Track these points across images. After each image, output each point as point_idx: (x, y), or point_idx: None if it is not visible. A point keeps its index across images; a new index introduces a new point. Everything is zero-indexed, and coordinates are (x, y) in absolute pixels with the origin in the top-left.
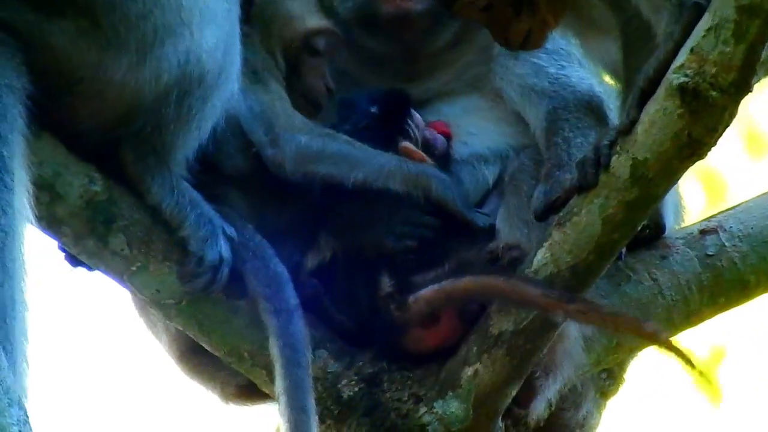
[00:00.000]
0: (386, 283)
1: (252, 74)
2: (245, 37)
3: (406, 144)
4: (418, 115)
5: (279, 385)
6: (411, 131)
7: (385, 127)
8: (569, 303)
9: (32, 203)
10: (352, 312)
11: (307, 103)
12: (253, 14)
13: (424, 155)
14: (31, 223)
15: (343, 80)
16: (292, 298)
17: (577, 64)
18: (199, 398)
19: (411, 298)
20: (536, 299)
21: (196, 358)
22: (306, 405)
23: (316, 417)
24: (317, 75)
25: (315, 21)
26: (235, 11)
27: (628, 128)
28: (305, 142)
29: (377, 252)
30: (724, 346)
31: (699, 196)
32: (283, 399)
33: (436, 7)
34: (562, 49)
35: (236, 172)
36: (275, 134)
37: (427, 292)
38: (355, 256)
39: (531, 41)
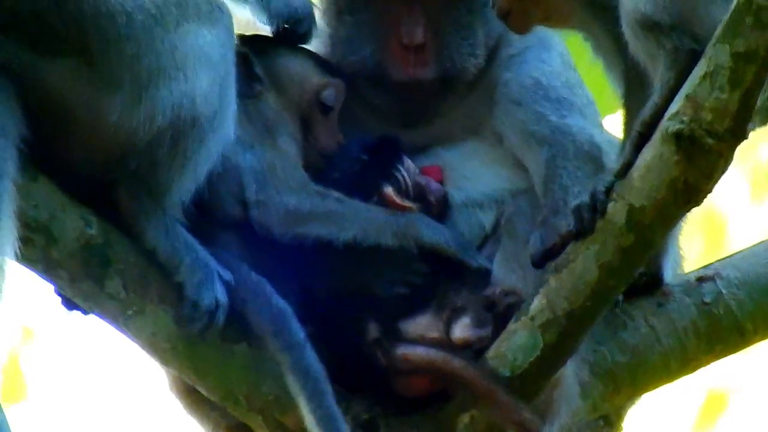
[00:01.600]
0: (373, 329)
1: (264, 130)
2: (259, 96)
3: (387, 191)
4: (410, 162)
5: (310, 420)
6: (401, 177)
7: (375, 174)
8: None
9: (23, 249)
10: (344, 358)
11: (319, 157)
12: (264, 74)
13: (404, 203)
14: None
15: (342, 120)
16: (299, 331)
17: (578, 114)
18: None
19: (398, 351)
20: (502, 409)
21: (194, 395)
22: (341, 431)
23: None
24: (329, 132)
25: (321, 77)
26: (231, 55)
27: (623, 172)
28: (294, 204)
29: (368, 298)
30: (727, 392)
31: (698, 238)
32: (317, 431)
33: (445, 74)
34: (564, 98)
35: (229, 217)
36: (265, 195)
37: (415, 353)
38: (347, 302)
39: (510, 22)
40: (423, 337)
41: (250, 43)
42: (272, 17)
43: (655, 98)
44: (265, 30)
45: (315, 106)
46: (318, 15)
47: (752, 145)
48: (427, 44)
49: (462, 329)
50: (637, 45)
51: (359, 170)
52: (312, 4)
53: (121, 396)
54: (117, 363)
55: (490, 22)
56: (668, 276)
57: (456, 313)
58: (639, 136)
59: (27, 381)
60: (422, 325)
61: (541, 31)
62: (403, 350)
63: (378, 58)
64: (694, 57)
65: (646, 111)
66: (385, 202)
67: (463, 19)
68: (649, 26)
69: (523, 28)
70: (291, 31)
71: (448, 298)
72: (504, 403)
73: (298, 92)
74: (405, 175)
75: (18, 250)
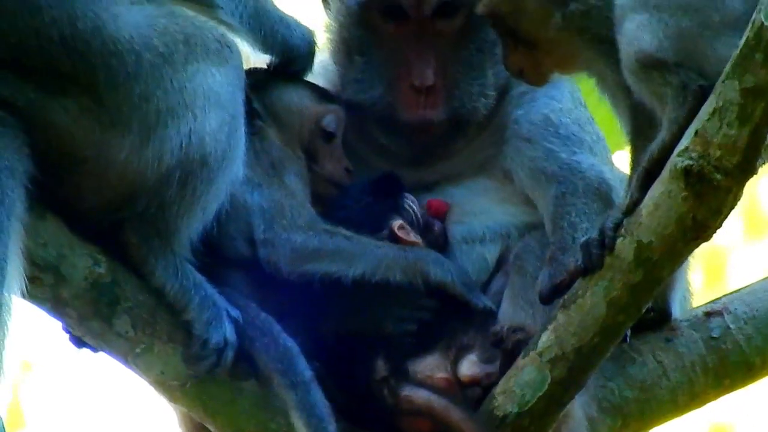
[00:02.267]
0: (381, 368)
1: (271, 168)
2: (261, 132)
3: (398, 225)
4: (411, 196)
5: None
6: (410, 209)
7: (382, 209)
8: None
9: (32, 288)
10: (351, 394)
11: (329, 185)
12: (262, 109)
13: (412, 238)
14: (30, 321)
15: (351, 160)
16: (306, 369)
17: (588, 151)
18: None
19: (402, 392)
20: None
21: None
22: None
23: None
24: (335, 159)
25: (320, 105)
26: (240, 94)
27: (631, 209)
28: (301, 242)
29: (377, 335)
30: (730, 426)
31: (697, 275)
32: None
33: (455, 115)
34: (574, 135)
35: (238, 256)
36: (272, 234)
37: (418, 396)
38: (356, 339)
39: (525, 77)
40: (431, 377)
41: (247, 78)
42: (267, 52)
43: (663, 135)
44: (261, 61)
45: (317, 135)
46: (328, 54)
47: (747, 183)
48: (438, 86)
49: (469, 366)
50: (640, 86)
51: (365, 207)
52: (313, 41)
53: (119, 426)
54: (115, 395)
55: (501, 62)
56: (676, 311)
57: (463, 351)
58: (646, 173)
59: (25, 411)
60: (430, 364)
61: None
62: (407, 392)
63: (388, 99)
64: (703, 93)
65: (654, 147)
66: (394, 237)
67: (473, 60)
68: (654, 64)
69: (541, 81)
70: (286, 67)
71: (455, 337)
72: None
73: (298, 123)
74: (414, 207)
75: (25, 289)
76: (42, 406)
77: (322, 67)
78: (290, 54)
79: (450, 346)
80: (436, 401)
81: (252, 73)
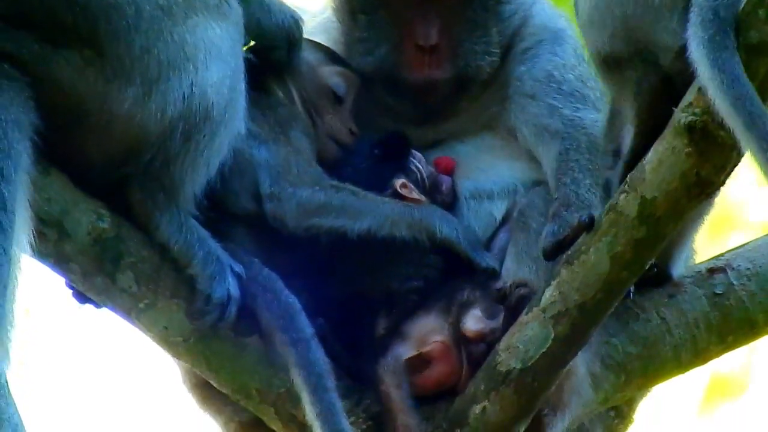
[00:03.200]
0: (382, 326)
1: (277, 125)
2: (269, 89)
3: (402, 183)
4: (420, 155)
5: (311, 412)
6: (415, 169)
7: (388, 168)
8: None
9: (35, 243)
10: (354, 351)
11: (332, 144)
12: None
13: (415, 195)
14: (28, 266)
15: (356, 118)
16: (306, 327)
17: (591, 107)
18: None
19: (384, 369)
20: None
21: (207, 390)
22: (342, 426)
23: None
24: (342, 121)
25: (332, 67)
26: (240, 49)
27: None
28: (307, 196)
29: (382, 293)
30: (730, 376)
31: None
32: (318, 424)
33: (460, 74)
34: (577, 91)
35: (243, 211)
36: (279, 188)
37: (388, 382)
38: (360, 296)
39: None
40: (425, 340)
41: None
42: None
43: (631, 130)
44: None
45: (325, 96)
46: (330, 11)
47: None
48: (442, 45)
49: (475, 322)
50: (610, 85)
51: (372, 165)
52: (294, 30)
53: (111, 372)
54: (114, 341)
55: (505, 19)
56: (679, 270)
57: (466, 307)
58: (625, 166)
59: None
60: (426, 327)
61: (555, 24)
62: (385, 371)
63: (393, 59)
64: (663, 83)
65: (626, 145)
66: (397, 195)
67: (477, 18)
68: (614, 62)
69: None
70: (264, 53)
71: (454, 297)
72: None
73: (308, 83)
74: (420, 166)
75: (32, 243)
76: (39, 352)
77: (325, 25)
78: (266, 41)
79: (450, 305)
80: (397, 399)
81: None
